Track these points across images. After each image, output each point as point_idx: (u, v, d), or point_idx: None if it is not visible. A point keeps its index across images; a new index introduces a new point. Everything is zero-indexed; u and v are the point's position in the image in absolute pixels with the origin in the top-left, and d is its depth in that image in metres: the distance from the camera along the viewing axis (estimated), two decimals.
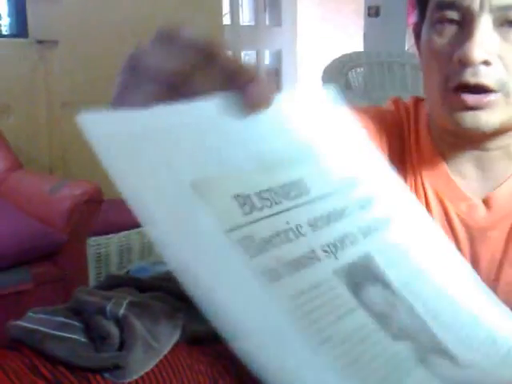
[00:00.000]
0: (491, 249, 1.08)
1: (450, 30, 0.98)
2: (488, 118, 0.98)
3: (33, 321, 1.67)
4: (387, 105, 1.23)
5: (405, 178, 1.12)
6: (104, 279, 2.35)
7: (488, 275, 1.07)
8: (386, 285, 0.59)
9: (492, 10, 0.93)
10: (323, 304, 0.54)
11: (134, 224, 2.44)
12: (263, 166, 0.58)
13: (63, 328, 1.71)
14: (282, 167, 0.59)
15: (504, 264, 1.08)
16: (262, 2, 6.41)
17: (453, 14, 0.97)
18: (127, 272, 2.88)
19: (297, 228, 0.57)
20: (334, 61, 4.49)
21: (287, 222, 0.56)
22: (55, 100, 3.76)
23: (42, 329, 1.61)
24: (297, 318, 0.52)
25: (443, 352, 0.58)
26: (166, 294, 1.92)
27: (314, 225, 0.58)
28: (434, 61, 1.01)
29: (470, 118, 0.98)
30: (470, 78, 0.95)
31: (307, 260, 0.56)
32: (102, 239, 2.97)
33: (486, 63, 0.94)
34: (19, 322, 1.66)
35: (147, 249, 3.05)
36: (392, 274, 0.60)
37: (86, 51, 3.84)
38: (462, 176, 1.10)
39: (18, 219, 2.69)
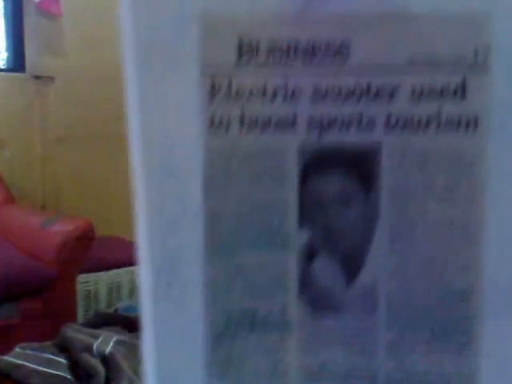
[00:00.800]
0: None
1: None
2: None
3: (20, 356, 1.67)
4: None
5: None
6: (92, 316, 2.35)
7: None
8: (367, 186, 0.51)
9: None
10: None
11: (124, 262, 2.45)
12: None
13: (50, 364, 1.71)
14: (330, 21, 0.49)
15: None
16: None
17: None
18: (116, 310, 2.87)
19: (292, 92, 0.49)
20: None
21: (284, 83, 0.49)
22: (50, 135, 3.76)
23: (28, 364, 1.61)
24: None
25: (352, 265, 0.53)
26: None
27: (317, 96, 0.50)
28: None
29: None
30: None
31: (275, 125, 0.50)
32: (91, 276, 2.96)
33: None
34: (6, 357, 1.66)
35: (136, 287, 3.04)
36: (393, 173, 0.51)
37: (82, 88, 3.86)
38: None
39: (8, 253, 2.68)
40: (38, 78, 3.75)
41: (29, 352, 1.69)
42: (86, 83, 3.86)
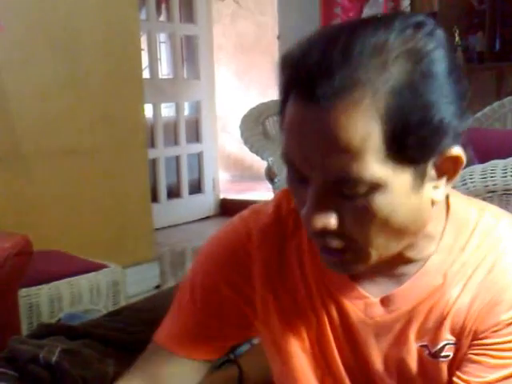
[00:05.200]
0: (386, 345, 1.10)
1: (300, 187, 0.97)
2: (351, 266, 1.00)
3: None
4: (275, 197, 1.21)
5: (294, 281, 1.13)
6: (36, 328, 2.41)
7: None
8: None
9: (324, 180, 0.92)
10: None
11: (63, 274, 2.53)
12: None
13: None
14: None
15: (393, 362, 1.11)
16: (180, 57, 6.71)
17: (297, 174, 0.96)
18: (59, 320, 2.92)
19: None
20: (252, 110, 4.28)
21: None
22: None
23: None
24: None
25: None
26: (96, 341, 2.00)
27: None
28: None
29: (336, 267, 1.01)
30: (321, 241, 0.97)
31: None
32: (32, 290, 3.00)
33: (326, 230, 0.94)
34: None
35: (77, 298, 3.10)
36: None
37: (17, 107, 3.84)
38: (361, 277, 1.09)
39: None
40: None
41: None
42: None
